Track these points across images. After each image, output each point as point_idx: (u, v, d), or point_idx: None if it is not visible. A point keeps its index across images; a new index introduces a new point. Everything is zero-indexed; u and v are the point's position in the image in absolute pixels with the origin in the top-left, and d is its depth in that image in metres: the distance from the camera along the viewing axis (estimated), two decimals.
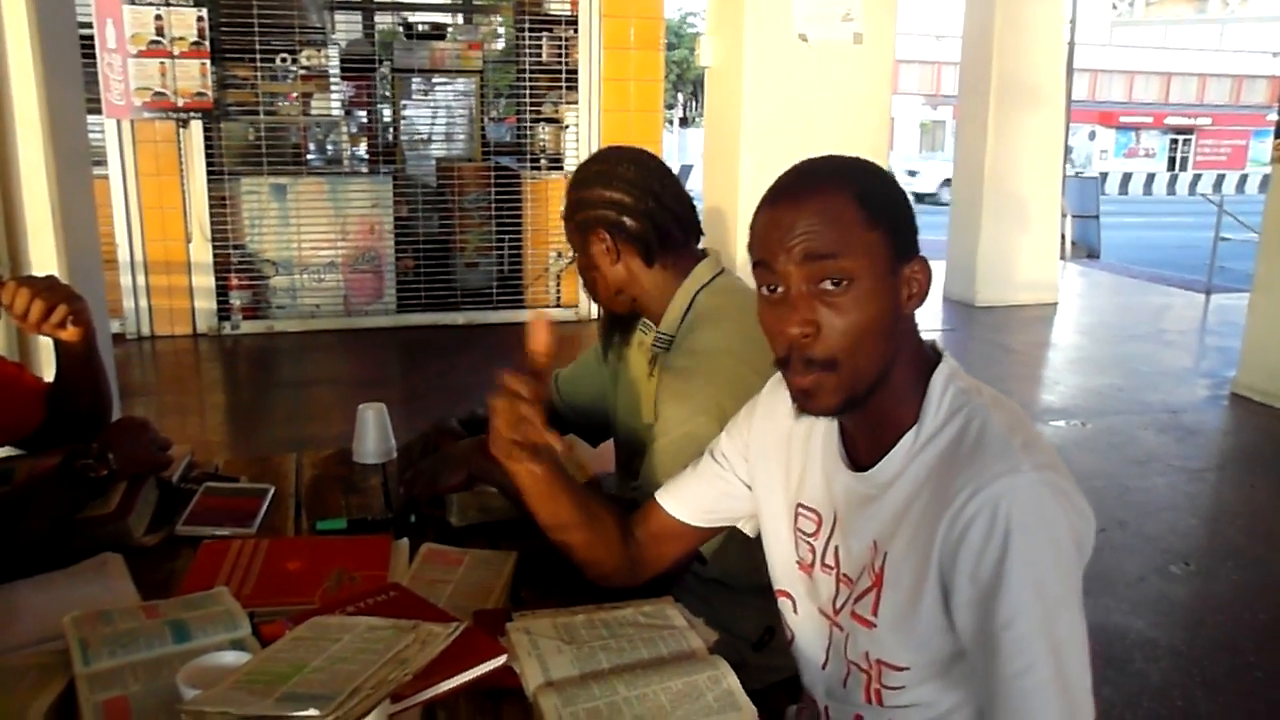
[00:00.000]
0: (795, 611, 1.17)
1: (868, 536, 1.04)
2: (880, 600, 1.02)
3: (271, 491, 1.60)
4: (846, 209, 0.97)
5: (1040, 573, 0.90)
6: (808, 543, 1.13)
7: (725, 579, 1.54)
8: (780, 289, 0.99)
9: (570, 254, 1.62)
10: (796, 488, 1.15)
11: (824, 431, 1.12)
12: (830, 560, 1.09)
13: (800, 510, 1.14)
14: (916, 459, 1.00)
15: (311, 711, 0.77)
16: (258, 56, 6.06)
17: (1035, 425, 1.02)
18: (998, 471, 0.92)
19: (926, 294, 1.02)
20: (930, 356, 1.05)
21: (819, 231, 0.96)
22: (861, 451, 1.07)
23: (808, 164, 1.03)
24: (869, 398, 1.00)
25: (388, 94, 6.90)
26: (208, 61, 5.84)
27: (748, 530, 1.27)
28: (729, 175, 4.53)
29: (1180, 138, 36.61)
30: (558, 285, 6.75)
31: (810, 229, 0.97)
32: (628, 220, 1.53)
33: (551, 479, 1.21)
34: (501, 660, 0.98)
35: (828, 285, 0.97)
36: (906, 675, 1.02)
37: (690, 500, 1.26)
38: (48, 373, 1.70)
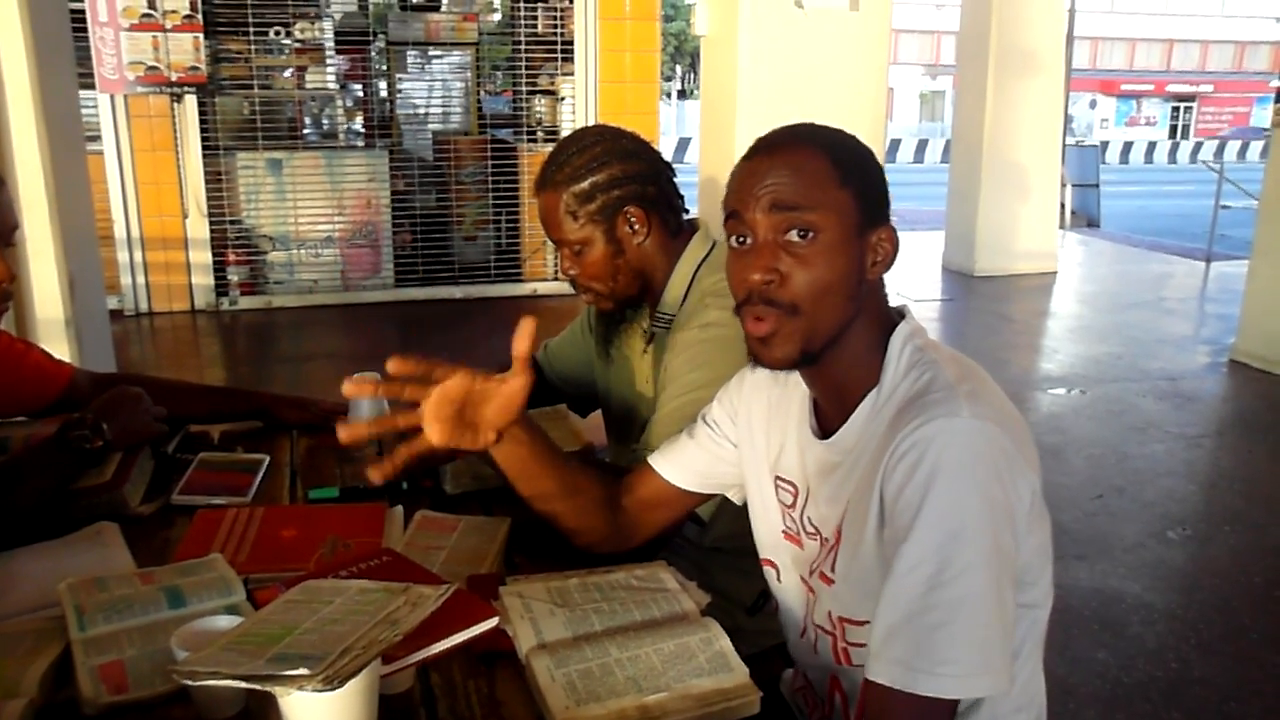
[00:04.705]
0: (779, 580, 1.19)
1: (840, 501, 1.05)
2: (838, 554, 1.04)
3: (266, 461, 1.60)
4: (818, 164, 1.00)
5: (958, 523, 0.89)
6: (790, 514, 1.14)
7: (719, 543, 1.55)
8: (748, 239, 1.02)
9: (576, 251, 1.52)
10: (775, 460, 1.16)
11: (798, 403, 1.13)
12: (811, 528, 1.11)
13: (779, 482, 1.15)
14: (876, 419, 1.01)
15: (302, 671, 0.78)
16: (251, 30, 6.01)
17: (988, 379, 1.01)
18: (934, 415, 0.93)
19: (892, 262, 1.03)
20: (894, 320, 1.06)
21: (789, 182, 0.99)
22: (830, 420, 1.08)
23: (784, 127, 1.06)
24: (823, 356, 1.03)
25: (383, 67, 6.85)
26: (200, 35, 5.80)
27: (735, 499, 1.28)
28: (725, 145, 4.51)
29: (1182, 105, 36.40)
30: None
31: (780, 179, 0.99)
32: (650, 188, 1.49)
33: (529, 454, 1.18)
34: (493, 623, 0.99)
35: (794, 236, 0.99)
36: (868, 630, 1.02)
37: (683, 464, 1.27)
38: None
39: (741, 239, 1.03)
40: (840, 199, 1.00)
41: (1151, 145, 27.58)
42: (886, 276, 1.06)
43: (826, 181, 0.99)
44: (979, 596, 0.89)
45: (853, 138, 1.06)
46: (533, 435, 1.18)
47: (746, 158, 1.04)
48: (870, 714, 0.93)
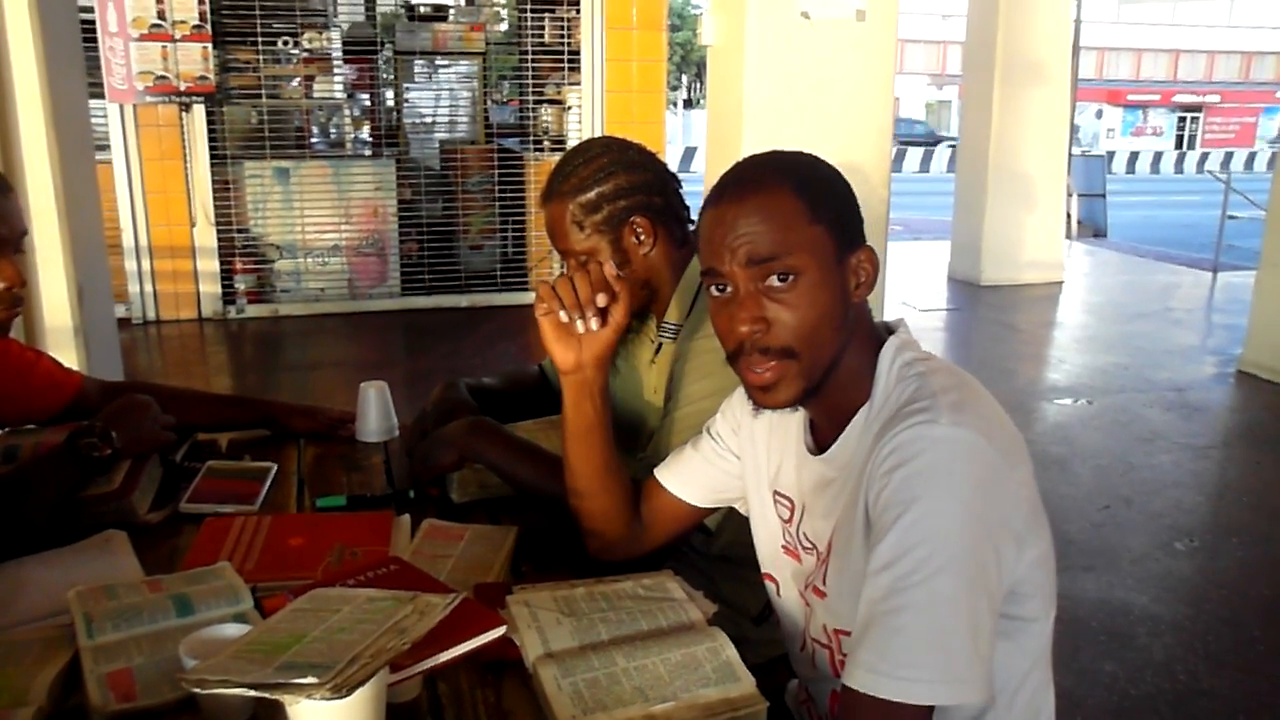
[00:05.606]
0: (779, 594, 1.19)
1: (834, 515, 1.04)
2: (829, 567, 1.04)
3: (274, 470, 1.60)
4: (787, 204, 0.99)
5: (932, 527, 0.88)
6: (788, 529, 1.14)
7: (726, 552, 1.55)
8: (729, 288, 1.01)
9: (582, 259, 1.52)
10: (774, 475, 1.16)
11: (797, 420, 1.13)
12: (807, 543, 1.11)
13: (777, 497, 1.16)
14: (867, 433, 1.01)
15: (310, 679, 0.78)
16: (259, 39, 6.05)
17: (980, 391, 1.00)
18: (914, 421, 0.93)
19: (874, 283, 1.03)
20: (882, 335, 1.06)
21: (761, 230, 0.98)
22: (825, 436, 1.08)
23: (748, 161, 1.05)
24: (824, 386, 1.02)
25: (390, 77, 6.88)
26: (209, 45, 5.84)
27: (743, 510, 1.28)
28: (731, 155, 4.48)
29: (1188, 115, 36.34)
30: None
31: (752, 228, 0.98)
32: (656, 199, 1.50)
33: (595, 411, 1.24)
34: (500, 631, 0.99)
35: (774, 281, 0.98)
36: None
37: (692, 481, 1.27)
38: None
39: (721, 288, 1.02)
40: (814, 235, 0.98)
41: (1158, 155, 27.54)
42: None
43: (797, 221, 0.98)
44: (947, 602, 0.87)
45: (818, 162, 1.04)
46: (605, 398, 1.25)
47: (713, 202, 1.02)
48: (840, 717, 0.92)
